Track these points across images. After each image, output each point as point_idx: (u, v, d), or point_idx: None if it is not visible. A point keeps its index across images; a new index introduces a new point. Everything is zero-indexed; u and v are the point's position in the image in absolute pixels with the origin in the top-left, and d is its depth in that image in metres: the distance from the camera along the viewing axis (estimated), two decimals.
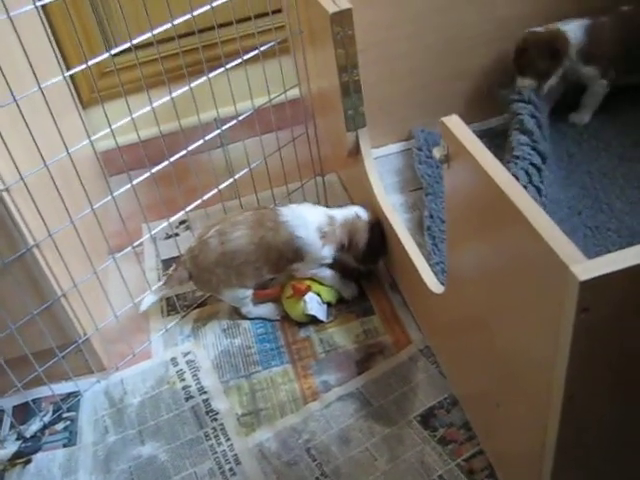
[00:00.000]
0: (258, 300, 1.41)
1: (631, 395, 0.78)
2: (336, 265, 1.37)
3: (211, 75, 1.30)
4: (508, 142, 1.48)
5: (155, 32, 1.19)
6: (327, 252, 1.33)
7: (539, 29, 1.60)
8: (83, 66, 1.13)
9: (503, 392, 0.95)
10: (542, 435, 0.81)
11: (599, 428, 0.80)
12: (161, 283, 1.39)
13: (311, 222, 1.31)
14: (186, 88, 1.27)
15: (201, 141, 1.35)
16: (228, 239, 1.30)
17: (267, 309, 1.40)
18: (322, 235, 1.31)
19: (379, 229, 1.35)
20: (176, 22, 1.20)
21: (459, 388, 1.18)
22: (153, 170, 1.29)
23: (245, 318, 1.40)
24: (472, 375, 1.09)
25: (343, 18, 1.23)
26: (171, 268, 1.40)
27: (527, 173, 1.35)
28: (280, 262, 1.33)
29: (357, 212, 1.35)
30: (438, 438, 1.14)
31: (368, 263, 1.39)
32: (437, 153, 0.90)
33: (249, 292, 1.36)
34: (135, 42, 1.18)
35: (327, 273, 1.37)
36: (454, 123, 0.87)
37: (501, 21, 1.66)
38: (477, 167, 0.80)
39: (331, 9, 1.23)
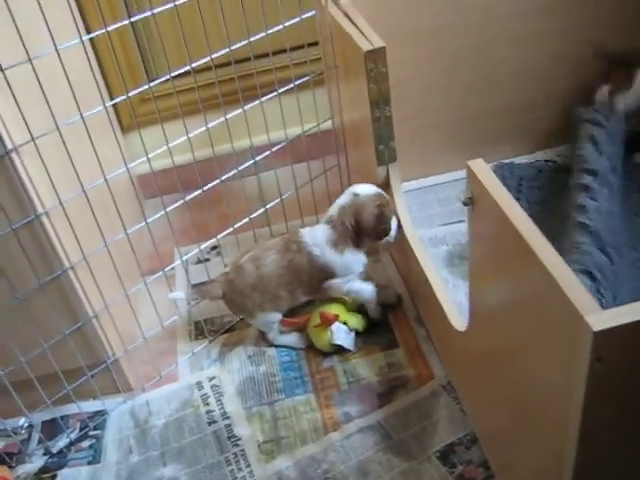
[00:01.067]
0: (286, 329, 1.43)
1: None
2: None
3: (246, 107, 1.33)
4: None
5: (194, 65, 1.23)
6: (350, 256, 1.33)
7: None
8: (123, 97, 1.18)
9: (520, 433, 0.95)
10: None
11: (614, 476, 0.80)
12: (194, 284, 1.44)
13: (320, 238, 1.33)
14: (222, 119, 1.31)
15: (236, 170, 1.38)
16: (262, 264, 1.33)
17: (292, 338, 1.42)
18: (334, 245, 1.32)
19: (381, 201, 1.32)
20: (214, 56, 1.24)
21: (479, 426, 1.18)
22: (187, 198, 1.33)
23: (271, 345, 1.42)
24: (491, 413, 1.09)
25: (377, 56, 1.25)
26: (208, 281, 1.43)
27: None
28: (312, 282, 1.34)
29: (353, 191, 1.34)
30: (456, 475, 1.14)
31: (380, 238, 1.35)
32: (462, 195, 0.91)
33: (279, 317, 1.39)
34: (174, 74, 1.22)
35: (364, 286, 1.37)
36: (479, 167, 0.89)
37: (537, 59, 1.68)
38: (499, 211, 0.82)
39: (365, 47, 1.26)
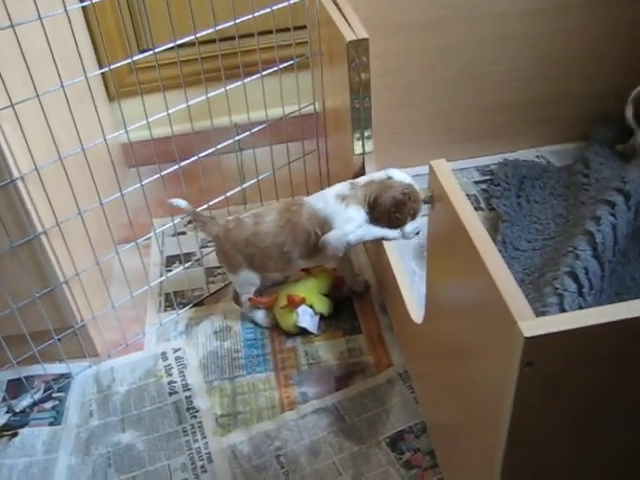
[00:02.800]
0: (252, 306, 1.45)
1: (574, 445, 0.82)
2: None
3: (228, 87, 1.35)
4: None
5: (178, 42, 1.24)
6: (354, 211, 1.30)
7: None
8: (105, 69, 1.20)
9: (461, 427, 0.99)
10: (490, 477, 0.85)
11: (542, 477, 0.84)
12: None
13: (329, 192, 1.33)
14: (203, 97, 1.32)
15: (214, 148, 1.40)
16: (260, 221, 1.35)
17: (259, 314, 1.45)
18: (342, 199, 1.30)
19: (410, 192, 1.29)
20: (199, 35, 1.26)
21: (428, 416, 1.22)
22: (163, 172, 1.35)
23: (237, 320, 1.46)
24: (439, 405, 1.13)
25: (359, 46, 1.27)
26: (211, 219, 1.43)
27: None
28: (309, 241, 1.33)
29: (389, 173, 1.31)
30: (403, 462, 1.18)
31: (393, 225, 1.31)
32: (422, 193, 0.94)
33: (259, 282, 1.42)
34: (158, 49, 1.24)
35: (354, 240, 1.32)
36: (441, 167, 0.92)
37: (518, 60, 1.70)
38: (454, 213, 0.84)
39: (349, 37, 1.27)
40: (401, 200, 1.28)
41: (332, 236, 1.31)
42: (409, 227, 1.32)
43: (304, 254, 1.36)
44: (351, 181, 1.33)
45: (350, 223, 1.30)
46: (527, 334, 0.68)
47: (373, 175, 1.32)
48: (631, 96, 1.69)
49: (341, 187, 1.33)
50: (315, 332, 1.41)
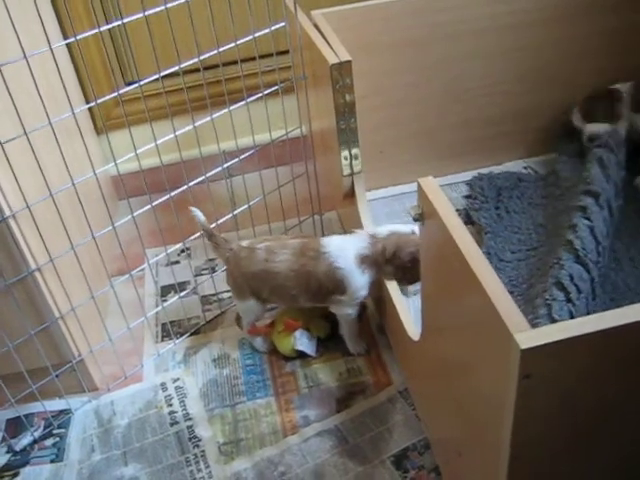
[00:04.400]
0: (249, 336, 1.45)
1: (577, 453, 0.82)
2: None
3: (215, 115, 1.36)
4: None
5: (163, 74, 1.25)
6: (366, 280, 1.30)
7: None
8: (92, 104, 1.21)
9: (464, 442, 0.99)
10: None
11: None
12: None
13: (350, 250, 1.30)
14: (190, 127, 1.33)
15: (204, 177, 1.41)
16: (272, 259, 1.32)
17: (257, 340, 1.45)
18: (362, 260, 1.29)
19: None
20: (183, 65, 1.27)
21: (431, 432, 1.21)
22: (154, 203, 1.35)
23: (235, 348, 1.45)
24: (441, 421, 1.13)
25: (343, 69, 1.29)
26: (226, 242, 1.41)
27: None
28: (320, 292, 1.32)
29: (414, 228, 1.28)
30: None
31: (405, 281, 1.34)
32: (412, 211, 0.94)
33: (261, 313, 1.41)
34: (143, 82, 1.25)
35: (353, 320, 1.36)
36: (429, 184, 0.92)
37: (500, 74, 1.73)
38: (444, 230, 0.85)
39: (332, 60, 1.29)
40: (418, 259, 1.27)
41: (343, 301, 1.32)
42: (417, 286, 1.30)
43: (312, 300, 1.35)
44: (372, 233, 1.32)
45: (359, 293, 1.31)
46: (523, 346, 0.68)
47: (398, 227, 1.31)
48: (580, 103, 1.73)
49: (362, 243, 1.30)
50: (313, 355, 1.41)
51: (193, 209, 1.38)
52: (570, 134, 1.78)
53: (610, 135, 1.62)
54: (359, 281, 1.30)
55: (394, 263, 1.29)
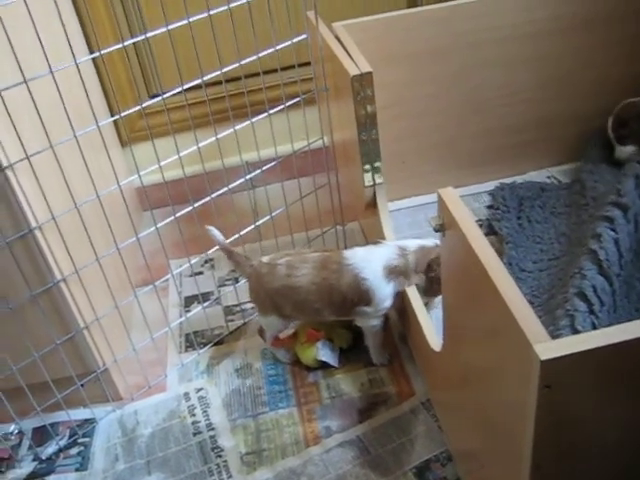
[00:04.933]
0: (273, 348, 1.46)
1: (598, 465, 0.81)
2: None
3: (237, 127, 1.37)
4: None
5: (186, 87, 1.27)
6: (391, 290, 1.30)
7: (637, 99, 1.70)
8: (116, 117, 1.23)
9: (486, 454, 0.98)
10: None
11: None
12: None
13: (377, 261, 1.30)
14: (213, 138, 1.35)
15: (226, 188, 1.42)
16: (294, 274, 1.33)
17: (280, 351, 1.45)
18: (389, 271, 1.29)
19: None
20: (206, 78, 1.29)
21: (453, 444, 1.21)
22: (177, 214, 1.37)
23: (258, 358, 1.46)
24: (463, 432, 1.13)
25: (363, 80, 1.29)
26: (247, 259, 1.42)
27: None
28: (345, 305, 1.32)
29: (436, 241, 1.29)
30: None
31: (433, 293, 1.34)
32: (433, 222, 0.95)
33: (285, 327, 1.41)
34: (166, 95, 1.27)
35: (378, 331, 1.37)
36: (449, 195, 0.92)
37: (521, 83, 1.72)
38: (465, 241, 0.85)
39: (352, 71, 1.30)
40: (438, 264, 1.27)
41: (368, 312, 1.32)
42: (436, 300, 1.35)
43: (336, 313, 1.35)
44: (400, 245, 1.32)
45: (384, 304, 1.31)
46: (543, 357, 0.68)
47: (425, 241, 1.32)
48: (615, 111, 1.72)
49: (390, 253, 1.31)
50: (336, 365, 1.41)
51: (209, 228, 1.38)
52: (598, 141, 1.77)
53: None
54: (384, 292, 1.30)
55: (428, 275, 1.30)
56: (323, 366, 1.41)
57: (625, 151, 1.70)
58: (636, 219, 1.45)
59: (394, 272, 1.30)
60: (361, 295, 1.30)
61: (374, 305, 1.31)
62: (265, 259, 1.38)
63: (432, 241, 1.32)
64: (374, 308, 1.32)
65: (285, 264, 1.34)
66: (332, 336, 1.42)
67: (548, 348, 0.68)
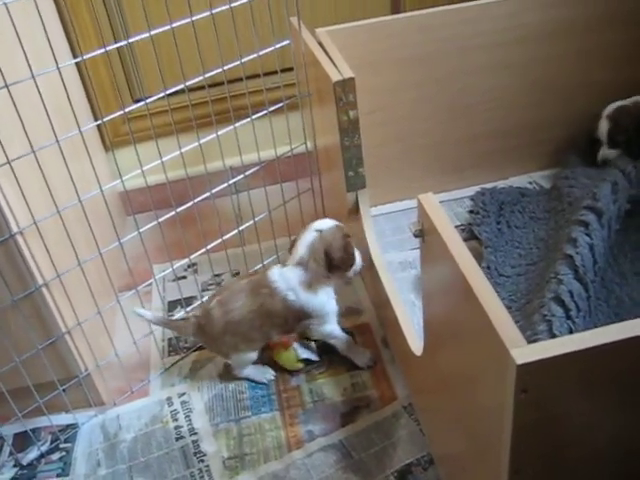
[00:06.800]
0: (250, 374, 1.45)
1: (575, 468, 0.82)
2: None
3: (220, 132, 1.37)
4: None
5: (169, 92, 1.27)
6: (323, 295, 1.34)
7: (625, 102, 1.73)
8: (98, 122, 1.23)
9: (467, 457, 0.99)
10: None
11: None
12: (167, 315, 1.49)
13: (293, 281, 1.33)
14: (195, 144, 1.35)
15: (209, 193, 1.42)
16: (230, 309, 1.34)
17: (257, 370, 1.43)
18: (307, 285, 1.32)
19: (345, 230, 1.36)
20: (189, 83, 1.29)
21: (434, 447, 1.22)
22: (160, 219, 1.37)
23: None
24: (444, 436, 1.13)
25: (346, 86, 1.30)
26: (185, 314, 1.45)
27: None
28: (287, 324, 1.36)
29: (315, 228, 1.35)
30: None
31: (344, 270, 1.37)
32: (412, 227, 0.95)
33: (255, 357, 1.40)
34: (149, 100, 1.27)
35: (342, 335, 1.39)
36: (429, 201, 0.93)
37: (505, 89, 1.74)
38: (443, 245, 0.86)
39: (335, 77, 1.30)
40: (346, 243, 1.34)
41: (314, 323, 1.36)
42: (358, 260, 1.38)
43: (284, 331, 1.39)
44: (295, 260, 1.34)
45: (323, 311, 1.35)
46: (519, 361, 0.69)
47: (304, 241, 1.34)
48: (605, 111, 1.72)
49: (296, 272, 1.33)
50: (317, 359, 1.43)
51: (137, 310, 1.38)
52: (578, 146, 1.79)
53: (636, 165, 1.62)
54: (316, 302, 1.34)
55: (333, 262, 1.33)
56: (305, 368, 1.43)
57: (611, 153, 1.71)
58: (609, 224, 1.46)
59: (311, 284, 1.33)
60: (297, 312, 1.34)
61: (315, 316, 1.35)
62: (197, 312, 1.40)
63: (311, 233, 1.34)
64: (318, 318, 1.36)
65: (217, 305, 1.36)
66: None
67: (524, 353, 0.69)
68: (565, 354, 0.70)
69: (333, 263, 1.33)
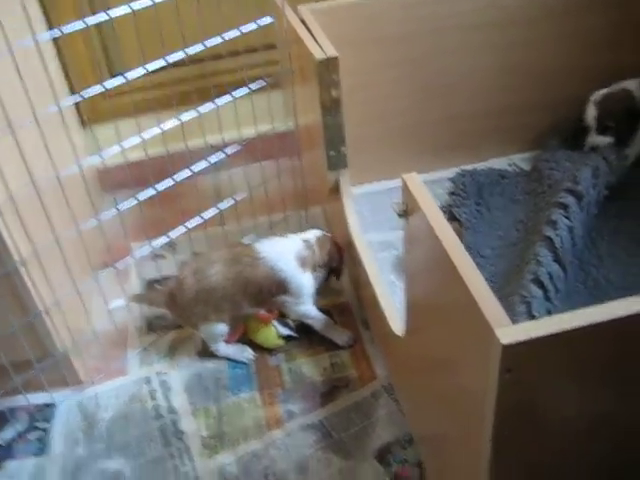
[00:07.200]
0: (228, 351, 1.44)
1: (559, 449, 0.83)
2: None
3: (201, 109, 1.36)
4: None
5: (149, 68, 1.25)
6: (307, 280, 1.37)
7: (612, 89, 1.72)
8: (77, 97, 1.20)
9: (448, 437, 1.00)
10: None
11: None
12: (136, 293, 1.48)
13: (289, 252, 1.36)
14: (176, 122, 1.33)
15: (189, 171, 1.40)
16: (204, 276, 1.34)
17: (236, 349, 1.43)
18: (302, 262, 1.36)
19: (336, 243, 1.44)
20: (169, 58, 1.27)
21: (414, 427, 1.22)
22: (141, 198, 1.35)
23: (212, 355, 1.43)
24: (425, 415, 1.14)
25: (329, 64, 1.29)
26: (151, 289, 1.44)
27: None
28: (260, 295, 1.36)
29: (320, 231, 1.44)
30: (392, 474, 1.18)
31: (339, 276, 1.47)
32: (396, 207, 0.95)
33: (225, 329, 1.39)
34: (129, 76, 1.25)
35: (319, 314, 1.41)
36: (413, 181, 0.93)
37: (486, 70, 1.74)
38: (427, 225, 0.86)
39: (318, 55, 1.29)
40: (340, 248, 1.43)
41: (288, 301, 1.38)
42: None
43: (255, 304, 1.39)
44: (303, 237, 1.40)
45: (303, 291, 1.37)
46: (505, 341, 0.69)
47: (316, 234, 1.42)
48: (593, 97, 1.72)
49: (298, 245, 1.38)
50: (297, 335, 1.43)
51: (112, 306, 1.41)
52: (561, 130, 1.79)
53: (617, 153, 1.62)
54: (301, 280, 1.37)
55: (329, 265, 1.41)
56: (287, 342, 1.43)
57: (601, 140, 1.71)
58: (589, 208, 1.47)
59: (306, 263, 1.37)
60: (278, 285, 1.35)
61: (293, 294, 1.37)
62: (171, 282, 1.40)
63: (318, 232, 1.43)
64: (294, 297, 1.37)
65: (191, 273, 1.36)
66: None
67: (509, 332, 0.69)
68: (551, 335, 0.70)
69: (331, 264, 1.41)
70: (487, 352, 0.72)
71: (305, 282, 1.37)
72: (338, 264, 1.43)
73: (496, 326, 0.70)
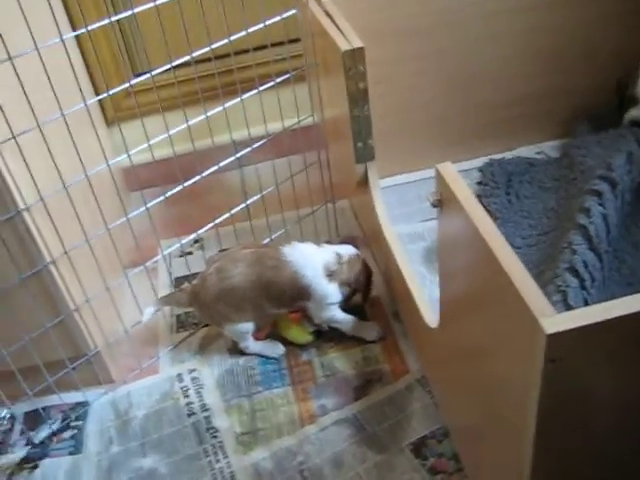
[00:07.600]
0: (255, 349, 1.43)
1: (604, 441, 0.81)
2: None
3: (227, 105, 1.35)
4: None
5: (175, 62, 1.25)
6: (332, 290, 1.35)
7: None
8: (104, 94, 1.20)
9: (485, 429, 0.98)
10: (519, 477, 0.84)
11: (572, 473, 0.83)
12: (162, 295, 1.47)
13: (316, 260, 1.34)
14: (202, 117, 1.32)
15: (216, 166, 1.40)
16: (227, 276, 1.34)
17: (265, 345, 1.42)
18: (329, 274, 1.34)
19: (367, 267, 1.42)
20: (195, 54, 1.26)
21: (450, 420, 1.21)
22: (168, 194, 1.35)
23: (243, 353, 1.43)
24: (461, 408, 1.12)
25: (355, 56, 1.28)
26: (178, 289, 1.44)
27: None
28: (282, 299, 1.35)
29: (355, 250, 1.41)
30: (428, 467, 1.17)
31: (366, 298, 1.44)
32: (431, 197, 0.94)
33: (250, 328, 1.38)
34: (155, 72, 1.24)
35: (344, 318, 1.39)
36: (447, 170, 0.91)
37: (510, 58, 1.72)
38: (464, 215, 0.84)
39: (344, 47, 1.28)
40: (370, 272, 1.42)
41: (312, 307, 1.37)
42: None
43: (276, 306, 1.37)
44: (337, 251, 1.37)
45: (327, 300, 1.35)
46: (549, 331, 0.67)
47: (349, 251, 1.39)
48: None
49: (329, 256, 1.36)
50: (327, 329, 1.42)
51: (144, 319, 1.40)
52: (588, 116, 1.77)
53: None
54: (325, 289, 1.34)
55: (353, 286, 1.38)
56: (318, 338, 1.42)
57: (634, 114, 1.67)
58: (623, 195, 1.45)
59: (332, 275, 1.34)
60: (300, 290, 1.34)
61: (315, 301, 1.35)
62: (196, 281, 1.40)
63: (347, 249, 1.40)
64: (315, 304, 1.35)
65: (214, 271, 1.35)
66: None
67: (554, 322, 0.68)
68: (595, 323, 0.68)
69: (356, 286, 1.39)
70: (530, 342, 0.70)
71: (330, 292, 1.35)
72: (364, 288, 1.41)
73: (540, 316, 0.69)
